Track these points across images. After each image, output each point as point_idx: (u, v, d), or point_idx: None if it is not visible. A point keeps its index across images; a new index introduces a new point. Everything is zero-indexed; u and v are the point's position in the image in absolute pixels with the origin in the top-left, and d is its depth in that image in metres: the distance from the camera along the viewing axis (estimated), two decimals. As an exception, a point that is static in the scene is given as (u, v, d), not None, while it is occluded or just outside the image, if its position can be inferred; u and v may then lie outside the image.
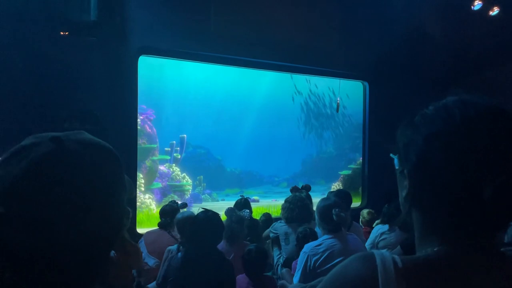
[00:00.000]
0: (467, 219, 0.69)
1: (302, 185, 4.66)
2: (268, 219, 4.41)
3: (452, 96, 0.74)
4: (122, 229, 0.73)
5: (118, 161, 0.72)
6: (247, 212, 4.07)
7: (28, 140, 0.66)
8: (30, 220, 0.60)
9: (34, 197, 0.60)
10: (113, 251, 2.83)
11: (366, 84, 6.89)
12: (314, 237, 3.26)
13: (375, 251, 0.70)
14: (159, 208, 4.44)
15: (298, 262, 2.93)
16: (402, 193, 0.76)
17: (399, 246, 3.12)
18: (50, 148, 0.64)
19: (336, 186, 8.42)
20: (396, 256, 0.68)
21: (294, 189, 4.56)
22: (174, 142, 7.52)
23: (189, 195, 7.43)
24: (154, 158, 7.02)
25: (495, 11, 6.02)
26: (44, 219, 0.60)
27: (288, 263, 3.45)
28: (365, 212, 4.96)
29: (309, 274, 2.77)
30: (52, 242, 0.61)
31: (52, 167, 0.63)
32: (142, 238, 3.83)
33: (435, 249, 0.71)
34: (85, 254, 0.64)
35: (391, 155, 0.79)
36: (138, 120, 5.26)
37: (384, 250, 3.48)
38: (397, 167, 0.78)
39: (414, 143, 0.73)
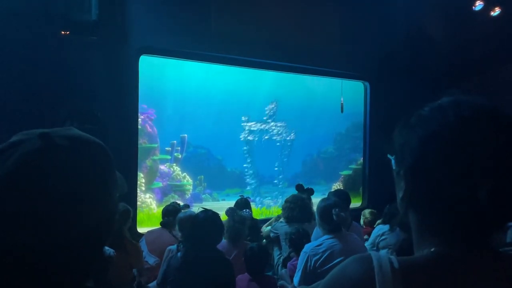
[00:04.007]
0: (463, 220, 0.69)
1: (307, 188, 4.66)
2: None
3: (448, 96, 0.74)
4: (115, 224, 0.73)
5: (108, 156, 0.72)
6: (248, 212, 4.08)
7: (17, 137, 0.66)
8: (20, 216, 0.60)
9: (23, 193, 0.60)
10: (113, 250, 2.84)
11: (367, 84, 6.88)
12: (307, 237, 3.27)
13: (372, 253, 0.71)
14: (160, 208, 4.45)
15: (298, 262, 2.93)
16: (399, 194, 0.76)
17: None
18: (39, 144, 0.64)
19: (336, 186, 8.41)
20: (392, 257, 0.69)
21: (298, 187, 4.57)
22: (175, 141, 7.52)
23: (189, 195, 7.43)
24: (155, 157, 7.03)
25: (496, 11, 6.01)
26: (34, 215, 0.60)
27: (286, 263, 3.45)
28: (367, 212, 4.96)
29: (309, 274, 2.77)
30: (42, 238, 0.61)
31: (41, 163, 0.62)
32: (143, 237, 3.83)
33: (432, 250, 0.71)
34: (76, 250, 0.64)
35: (388, 155, 0.79)
36: (139, 119, 5.26)
37: (382, 251, 3.48)
38: (394, 168, 0.78)
39: (410, 144, 0.73)
